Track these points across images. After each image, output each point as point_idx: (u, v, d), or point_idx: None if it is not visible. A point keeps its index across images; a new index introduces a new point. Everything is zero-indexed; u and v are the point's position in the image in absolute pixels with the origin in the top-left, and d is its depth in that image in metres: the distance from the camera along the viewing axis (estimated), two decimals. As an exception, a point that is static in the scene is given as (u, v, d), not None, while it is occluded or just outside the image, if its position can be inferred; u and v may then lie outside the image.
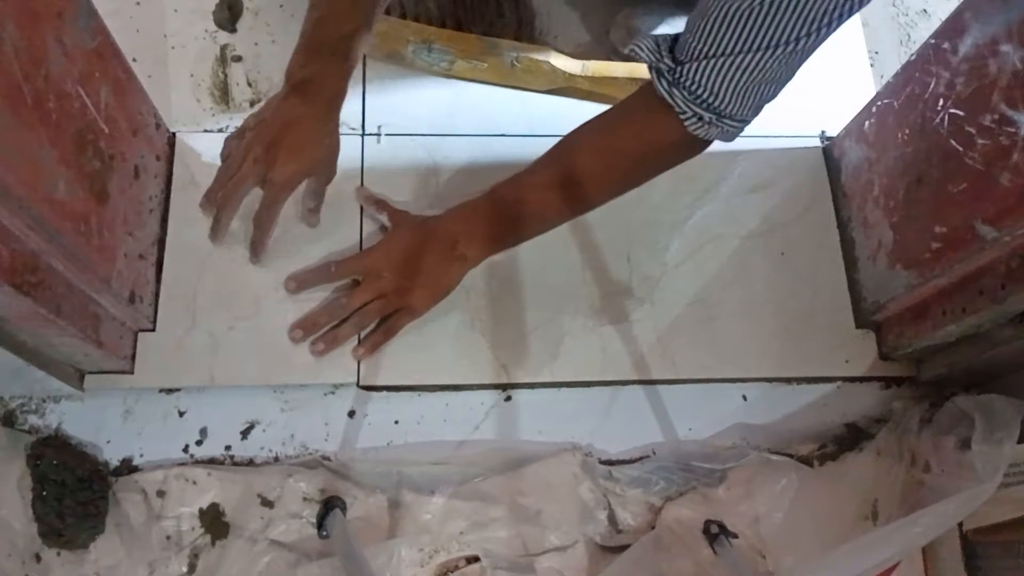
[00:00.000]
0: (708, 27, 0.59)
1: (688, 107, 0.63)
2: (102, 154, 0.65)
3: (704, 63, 0.60)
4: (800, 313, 0.82)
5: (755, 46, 0.58)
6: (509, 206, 0.73)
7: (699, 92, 0.62)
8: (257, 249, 0.76)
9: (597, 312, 0.81)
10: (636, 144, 0.69)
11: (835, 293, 0.83)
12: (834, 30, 0.58)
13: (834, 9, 0.56)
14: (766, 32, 0.57)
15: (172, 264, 0.77)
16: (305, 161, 0.71)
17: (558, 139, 0.73)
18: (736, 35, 0.58)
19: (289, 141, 0.70)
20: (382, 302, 0.75)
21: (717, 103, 0.62)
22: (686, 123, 0.64)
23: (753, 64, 0.59)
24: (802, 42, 0.57)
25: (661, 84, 0.63)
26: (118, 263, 0.68)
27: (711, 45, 0.59)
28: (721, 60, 0.59)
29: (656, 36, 0.64)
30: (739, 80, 0.60)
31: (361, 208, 0.81)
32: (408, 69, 0.88)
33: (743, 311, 0.82)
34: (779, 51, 0.58)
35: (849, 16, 0.56)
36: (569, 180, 0.71)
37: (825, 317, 0.82)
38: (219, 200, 0.73)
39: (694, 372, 0.80)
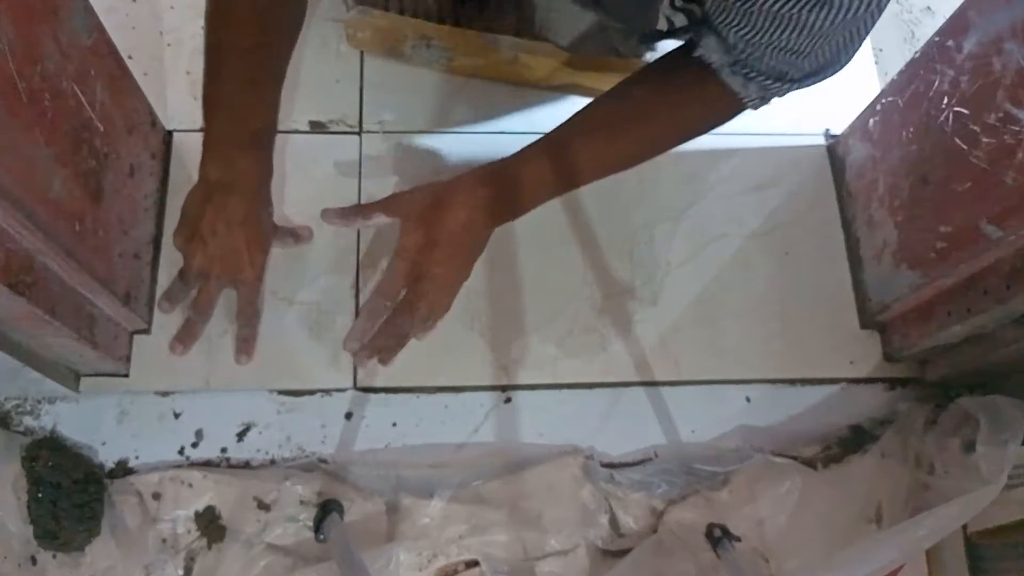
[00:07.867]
0: (766, 61, 0.61)
1: (758, 94, 0.65)
2: (97, 152, 0.64)
3: (773, 82, 0.63)
4: (804, 313, 0.82)
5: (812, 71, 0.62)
6: (539, 178, 0.69)
7: (772, 88, 0.64)
8: (250, 347, 0.73)
9: (599, 312, 0.80)
10: (693, 124, 0.70)
11: (839, 293, 0.83)
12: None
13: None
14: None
15: (168, 264, 0.77)
16: (267, 247, 0.73)
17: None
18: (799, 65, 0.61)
19: (245, 240, 0.70)
20: (427, 284, 0.67)
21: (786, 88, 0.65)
22: (748, 103, 0.66)
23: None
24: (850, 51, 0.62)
25: (735, 81, 0.64)
26: (113, 263, 0.68)
27: (775, 75, 0.62)
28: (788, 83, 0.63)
29: (717, 32, 0.62)
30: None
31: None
32: (407, 65, 0.88)
33: (746, 311, 0.81)
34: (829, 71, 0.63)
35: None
36: (607, 160, 0.70)
37: (829, 317, 0.82)
38: (193, 315, 0.72)
39: (697, 373, 0.79)
